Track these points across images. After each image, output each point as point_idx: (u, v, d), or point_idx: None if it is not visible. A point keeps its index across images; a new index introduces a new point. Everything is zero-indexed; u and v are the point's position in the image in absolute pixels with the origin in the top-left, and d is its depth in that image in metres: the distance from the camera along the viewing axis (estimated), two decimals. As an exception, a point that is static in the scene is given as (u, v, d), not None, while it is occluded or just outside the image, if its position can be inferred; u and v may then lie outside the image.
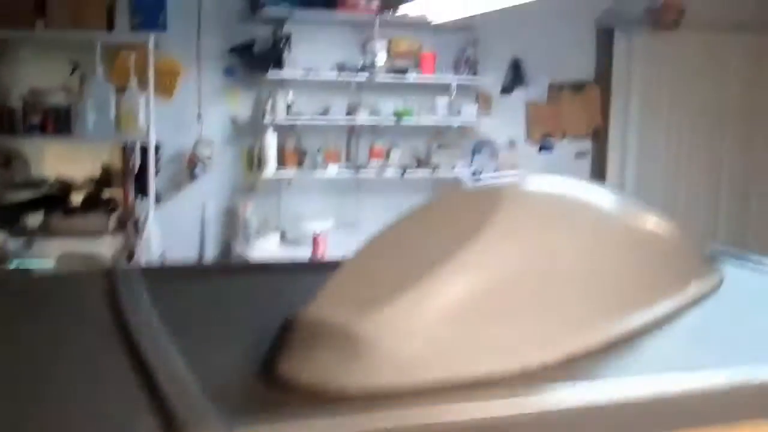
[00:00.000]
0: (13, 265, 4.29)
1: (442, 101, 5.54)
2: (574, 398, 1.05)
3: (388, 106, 5.44)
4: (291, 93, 5.27)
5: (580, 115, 6.05)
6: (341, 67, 5.35)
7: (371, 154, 5.51)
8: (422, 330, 1.10)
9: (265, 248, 5.13)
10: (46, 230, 4.54)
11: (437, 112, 5.54)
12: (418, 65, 5.51)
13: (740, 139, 6.32)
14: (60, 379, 1.11)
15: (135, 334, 1.21)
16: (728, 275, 1.65)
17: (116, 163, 5.01)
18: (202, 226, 5.43)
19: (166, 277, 1.73)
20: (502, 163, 5.88)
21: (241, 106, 5.39)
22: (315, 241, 4.80)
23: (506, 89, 5.86)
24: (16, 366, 1.16)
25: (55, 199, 4.75)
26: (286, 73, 5.22)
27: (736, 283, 1.64)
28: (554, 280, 1.26)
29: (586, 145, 6.14)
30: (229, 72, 5.33)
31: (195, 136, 5.25)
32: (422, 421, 0.97)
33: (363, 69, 5.34)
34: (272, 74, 5.18)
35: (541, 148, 6.02)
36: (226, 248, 5.43)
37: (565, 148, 6.07)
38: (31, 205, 4.64)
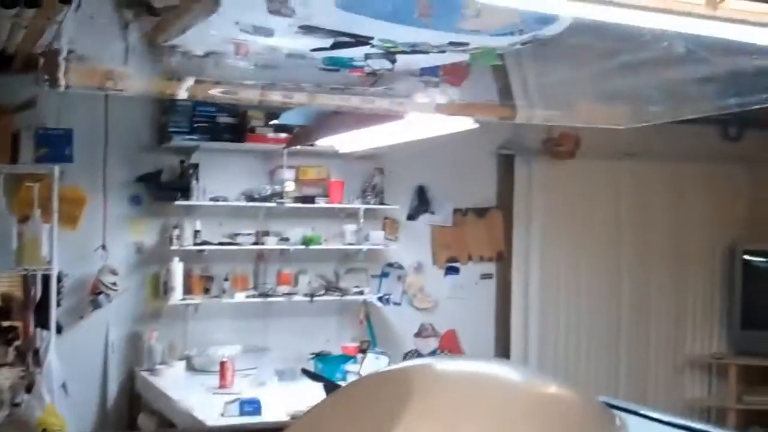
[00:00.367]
0: None
1: (350, 227, 5.63)
2: None
3: (297, 232, 5.50)
4: (198, 220, 5.28)
5: (484, 239, 6.23)
6: (249, 195, 5.42)
7: (279, 279, 5.53)
8: None
9: (171, 376, 5.03)
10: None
11: (345, 238, 5.62)
12: (326, 192, 5.62)
13: (635, 256, 6.63)
14: None
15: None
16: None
17: (17, 292, 4.89)
18: (105, 355, 5.30)
19: None
20: (410, 287, 5.97)
21: (147, 233, 5.37)
22: (223, 368, 4.74)
23: (412, 215, 6.00)
24: None
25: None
26: (194, 200, 5.24)
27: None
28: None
29: (491, 267, 6.29)
30: (135, 200, 5.32)
31: (99, 263, 5.19)
32: None
33: (271, 196, 5.41)
34: (180, 202, 5.20)
35: (447, 271, 6.14)
36: (130, 377, 5.30)
37: (470, 270, 6.21)
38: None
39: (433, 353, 5.90)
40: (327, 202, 5.60)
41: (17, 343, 4.67)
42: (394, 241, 5.89)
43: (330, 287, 5.63)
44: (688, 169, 6.70)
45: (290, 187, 5.47)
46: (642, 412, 2.45)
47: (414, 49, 2.22)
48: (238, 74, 2.36)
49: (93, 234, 5.20)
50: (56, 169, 4.67)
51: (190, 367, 5.19)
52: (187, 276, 5.28)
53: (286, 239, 5.48)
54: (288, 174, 5.49)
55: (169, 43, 2.24)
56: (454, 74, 2.36)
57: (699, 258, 6.83)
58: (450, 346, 6.07)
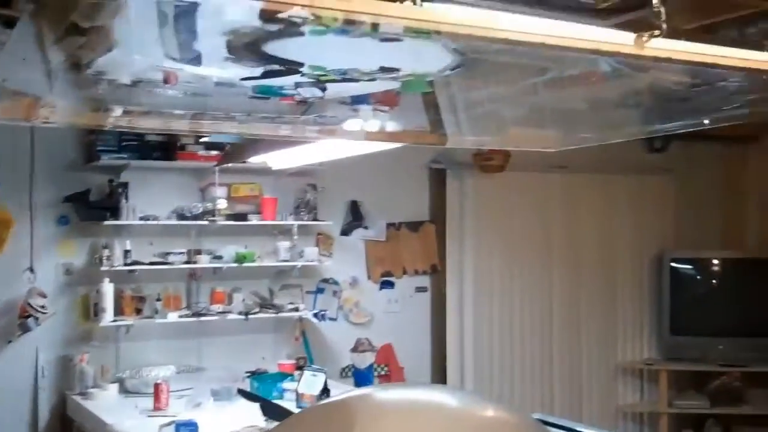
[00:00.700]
0: None
1: (283, 244, 5.60)
2: None
3: (230, 249, 5.45)
4: (128, 240, 5.20)
5: (418, 253, 6.27)
6: (180, 213, 5.35)
7: (213, 298, 5.48)
8: None
9: (104, 399, 4.93)
10: None
11: (279, 255, 5.59)
12: (259, 209, 5.58)
13: (566, 266, 6.76)
14: None
15: None
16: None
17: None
18: (35, 379, 5.17)
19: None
20: (345, 302, 5.98)
21: (76, 254, 5.26)
22: (157, 389, 4.66)
23: (346, 230, 6.01)
24: None
25: None
26: (123, 220, 5.16)
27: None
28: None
29: (425, 280, 6.33)
30: (63, 221, 5.21)
31: (27, 286, 5.07)
32: None
33: (203, 214, 5.35)
34: (109, 221, 5.12)
35: (382, 286, 6.16)
36: (61, 401, 5.19)
37: (405, 284, 6.24)
38: None
39: (369, 368, 5.89)
40: (260, 219, 5.56)
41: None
42: (329, 256, 5.88)
43: (265, 305, 5.60)
44: (616, 181, 6.86)
45: (222, 204, 5.42)
46: (576, 428, 2.51)
47: (344, 77, 2.23)
48: (166, 103, 2.33)
49: (20, 256, 5.08)
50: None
51: (123, 390, 5.10)
52: (118, 297, 5.18)
53: (219, 257, 5.43)
54: (220, 191, 5.44)
55: (94, 70, 2.19)
56: (384, 102, 2.37)
57: (628, 267, 6.99)
58: (386, 360, 6.09)
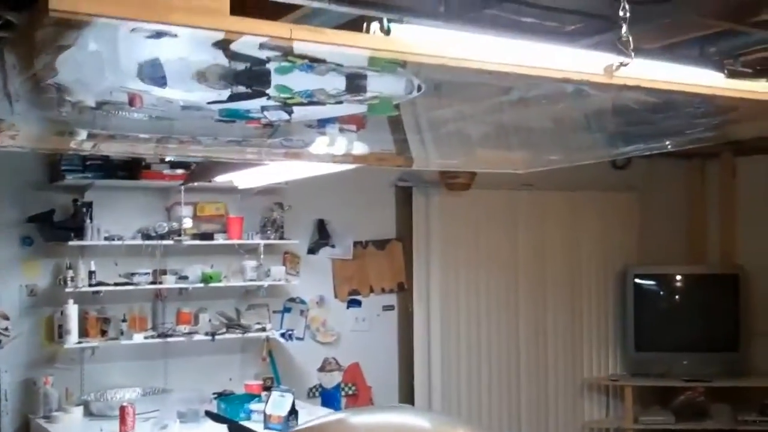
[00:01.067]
0: None
1: (250, 263, 5.58)
2: None
3: (196, 269, 5.42)
4: (93, 260, 5.15)
5: (385, 271, 6.27)
6: (145, 233, 5.31)
7: (179, 319, 5.43)
8: None
9: (69, 422, 4.87)
10: None
11: (246, 274, 5.56)
12: (225, 228, 5.56)
13: (532, 283, 6.81)
14: None
15: None
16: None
17: None
18: (-3, 403, 5.10)
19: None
20: (312, 321, 5.96)
21: (39, 275, 5.20)
22: (123, 412, 4.61)
23: (313, 249, 6.00)
24: None
25: None
26: (88, 240, 5.11)
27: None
28: None
29: (392, 298, 6.34)
30: (26, 241, 5.15)
31: (-11, 308, 5.00)
32: None
33: (169, 234, 5.32)
34: (73, 242, 5.06)
35: (349, 304, 6.15)
36: (25, 425, 5.11)
37: (372, 302, 6.24)
38: None
39: (337, 387, 5.88)
40: (226, 239, 5.54)
41: None
42: (296, 275, 5.87)
43: (231, 325, 5.56)
44: (581, 198, 6.93)
45: (188, 224, 5.40)
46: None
47: (311, 101, 2.23)
48: (132, 126, 2.32)
49: (-19, 277, 5.02)
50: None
51: (89, 413, 5.03)
52: (83, 318, 5.13)
53: (185, 277, 5.39)
54: (185, 211, 5.41)
55: (57, 89, 2.16)
56: (351, 124, 2.38)
57: (593, 283, 7.06)
58: (354, 379, 6.08)
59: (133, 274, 5.27)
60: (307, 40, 1.41)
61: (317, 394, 5.91)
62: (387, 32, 1.71)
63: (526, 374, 6.75)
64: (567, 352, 6.94)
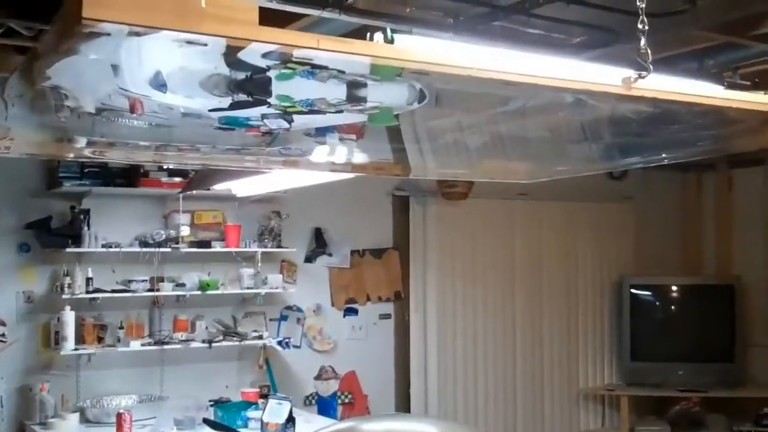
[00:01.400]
0: None
1: (247, 271, 5.58)
2: None
3: (193, 277, 5.42)
4: (90, 267, 5.15)
5: (381, 279, 6.28)
6: (143, 240, 5.31)
7: (176, 326, 5.43)
8: None
9: (65, 429, 4.86)
10: None
11: (243, 282, 5.57)
12: (222, 236, 5.56)
13: (529, 292, 6.83)
14: None
15: None
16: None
17: None
18: (-7, 409, 5.10)
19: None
20: (309, 329, 5.96)
21: (37, 282, 5.20)
22: (119, 419, 4.61)
23: (310, 257, 6.01)
24: None
25: None
26: (85, 247, 5.11)
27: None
28: None
29: (389, 307, 6.34)
30: (24, 248, 5.16)
31: (-14, 314, 5.00)
32: None
33: (166, 241, 5.32)
34: (71, 249, 5.07)
35: (346, 313, 6.15)
36: (20, 431, 5.10)
37: (369, 311, 6.25)
38: None
39: (333, 395, 5.88)
40: (224, 247, 5.54)
41: None
42: (293, 283, 5.87)
43: (228, 332, 5.56)
44: (577, 208, 6.95)
45: (185, 231, 5.40)
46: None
47: (311, 109, 2.24)
48: (131, 134, 2.32)
49: (-21, 284, 5.02)
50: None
51: (85, 420, 5.02)
52: (80, 325, 5.12)
53: (182, 285, 5.40)
54: (183, 218, 5.41)
55: (55, 89, 2.15)
56: (349, 132, 2.38)
57: (589, 293, 7.07)
58: (350, 387, 6.08)
59: (130, 282, 5.27)
60: (334, 50, 1.42)
61: (314, 402, 5.91)
62: (390, 42, 1.72)
63: (522, 383, 6.76)
64: (563, 362, 6.95)
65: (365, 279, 6.22)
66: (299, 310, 5.95)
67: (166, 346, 5.30)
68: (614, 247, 7.16)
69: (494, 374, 6.66)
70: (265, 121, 2.31)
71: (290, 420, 4.50)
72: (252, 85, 1.77)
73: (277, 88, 1.80)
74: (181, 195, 5.23)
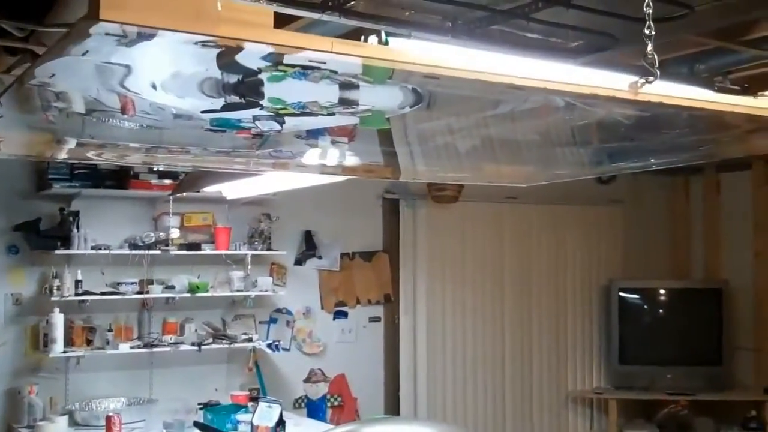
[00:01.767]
0: None
1: (237, 273, 5.58)
2: None
3: (182, 279, 5.41)
4: (79, 269, 5.14)
5: (371, 282, 6.28)
6: (132, 242, 5.30)
7: (165, 328, 5.42)
8: None
9: (53, 432, 4.85)
10: None
11: (233, 284, 5.56)
12: (212, 239, 5.56)
13: (518, 296, 6.85)
14: None
15: None
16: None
17: None
18: (-20, 413, 5.07)
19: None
20: (298, 332, 5.96)
21: (25, 284, 5.18)
22: (108, 422, 4.60)
23: (300, 260, 6.01)
24: None
25: None
26: (75, 249, 5.10)
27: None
28: None
29: (379, 310, 6.35)
30: (12, 250, 5.14)
31: (-26, 317, 4.98)
32: None
33: (156, 244, 5.31)
34: (60, 251, 5.05)
35: (335, 316, 6.15)
36: (8, 434, 5.09)
37: (358, 314, 6.25)
38: None
39: (322, 398, 5.88)
40: (213, 249, 5.54)
41: None
42: (282, 286, 5.87)
43: (217, 335, 5.55)
44: (566, 211, 6.97)
45: (175, 233, 5.39)
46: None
47: (303, 111, 2.24)
48: (121, 135, 2.31)
49: (-34, 287, 5.00)
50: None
51: (73, 423, 5.01)
52: (69, 327, 5.10)
53: (172, 287, 5.39)
54: (173, 221, 5.41)
55: (42, 85, 2.13)
56: (340, 135, 2.39)
57: (578, 296, 7.09)
58: (340, 390, 6.07)
59: (119, 284, 5.26)
60: (348, 53, 1.43)
61: (303, 405, 5.90)
62: (385, 44, 1.72)
63: (511, 386, 6.77)
64: (552, 365, 6.97)
65: (355, 282, 6.22)
66: (289, 312, 5.95)
67: (155, 349, 5.29)
68: (603, 251, 7.18)
69: (483, 377, 6.67)
70: (256, 123, 2.31)
71: (280, 423, 4.49)
72: (244, 87, 1.77)
73: (269, 90, 1.80)
74: (171, 197, 5.22)
